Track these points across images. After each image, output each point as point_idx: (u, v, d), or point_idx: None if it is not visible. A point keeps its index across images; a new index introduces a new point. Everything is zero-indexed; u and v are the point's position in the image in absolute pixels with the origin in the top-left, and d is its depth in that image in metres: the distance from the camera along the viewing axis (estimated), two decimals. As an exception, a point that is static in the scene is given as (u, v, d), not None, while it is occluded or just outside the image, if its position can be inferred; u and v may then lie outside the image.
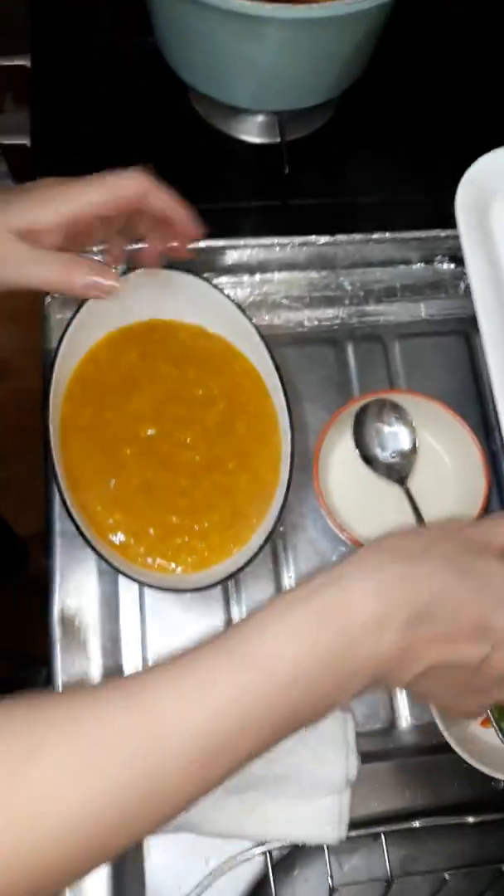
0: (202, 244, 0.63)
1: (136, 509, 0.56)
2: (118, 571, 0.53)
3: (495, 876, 0.52)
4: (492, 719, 0.51)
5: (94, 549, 0.53)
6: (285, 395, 0.57)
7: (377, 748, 0.56)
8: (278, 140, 0.70)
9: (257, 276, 0.68)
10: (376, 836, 0.52)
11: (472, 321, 0.61)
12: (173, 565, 0.55)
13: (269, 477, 0.57)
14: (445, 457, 0.61)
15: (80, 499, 0.56)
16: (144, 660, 0.57)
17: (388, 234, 0.67)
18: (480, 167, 0.58)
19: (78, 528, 0.52)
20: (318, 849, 0.52)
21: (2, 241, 0.48)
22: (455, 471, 0.61)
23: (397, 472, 0.59)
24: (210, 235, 0.57)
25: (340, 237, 0.67)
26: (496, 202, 0.59)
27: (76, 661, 0.56)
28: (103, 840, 0.33)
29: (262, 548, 0.53)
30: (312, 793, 0.52)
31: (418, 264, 0.69)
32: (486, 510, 0.58)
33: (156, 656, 0.57)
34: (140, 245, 0.56)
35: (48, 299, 0.65)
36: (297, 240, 0.66)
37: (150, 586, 0.54)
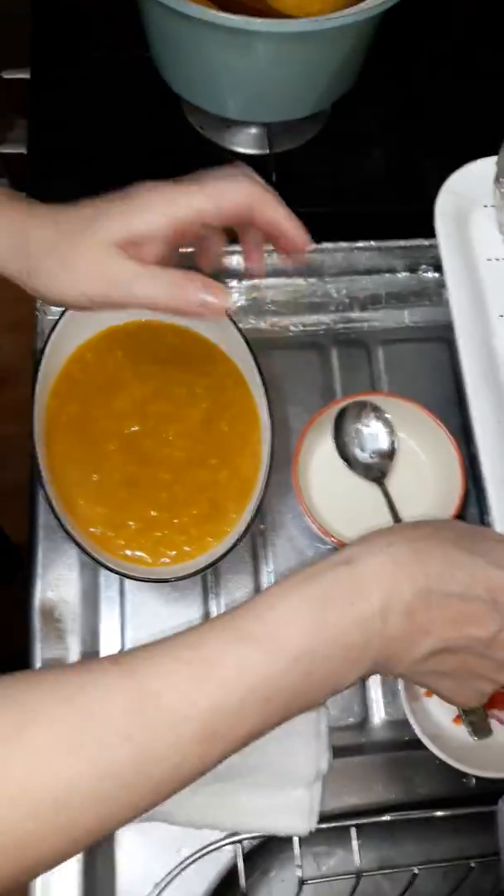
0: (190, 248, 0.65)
1: (117, 503, 0.57)
2: (96, 562, 0.54)
3: (465, 872, 0.52)
4: (462, 716, 0.52)
5: (73, 539, 0.54)
6: (267, 395, 0.59)
7: (350, 742, 0.56)
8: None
9: (245, 282, 0.69)
10: (347, 830, 0.53)
11: (454, 328, 0.62)
12: (151, 558, 0.56)
13: (250, 474, 0.58)
14: (424, 458, 0.62)
15: (62, 492, 0.57)
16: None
17: (373, 243, 0.69)
18: (461, 176, 0.60)
19: (58, 519, 0.54)
20: (289, 841, 0.52)
21: (104, 258, 0.43)
22: (433, 472, 0.62)
23: (375, 471, 0.60)
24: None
25: (327, 245, 0.69)
26: (476, 210, 0.60)
27: (55, 652, 0.57)
28: (92, 818, 0.32)
29: (239, 539, 0.54)
30: (284, 784, 0.52)
31: (403, 273, 0.70)
32: (463, 511, 0.59)
33: (135, 649, 0.58)
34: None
35: (39, 301, 0.67)
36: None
37: (129, 577, 0.55)
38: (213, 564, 0.54)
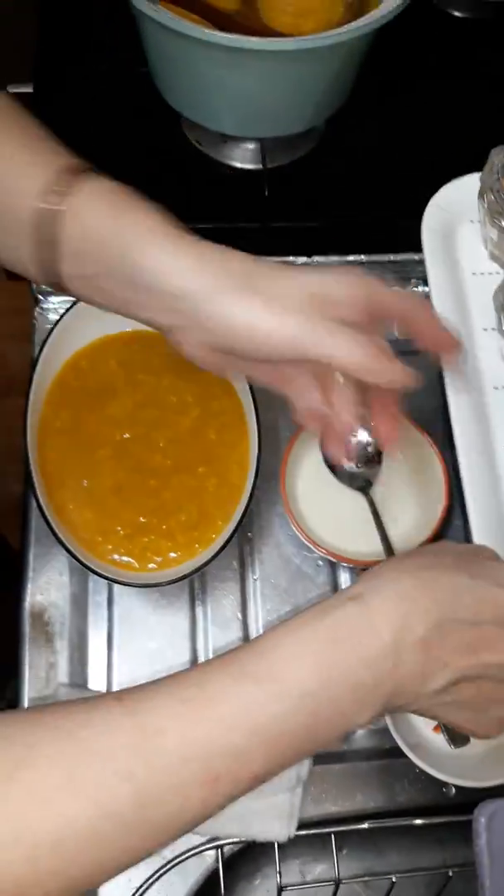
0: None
1: (106, 509, 0.58)
2: (83, 566, 0.55)
3: (444, 880, 0.52)
4: (441, 726, 0.52)
5: (62, 544, 0.55)
6: (255, 405, 0.60)
7: (331, 750, 0.56)
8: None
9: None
10: (327, 837, 0.53)
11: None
12: (139, 563, 0.57)
13: (237, 481, 0.59)
14: (409, 469, 0.63)
15: (53, 497, 0.58)
16: (110, 657, 0.59)
17: (363, 257, 0.70)
18: (447, 191, 0.61)
19: (48, 523, 0.55)
20: (269, 847, 0.53)
21: (306, 297, 0.42)
22: (418, 482, 0.62)
23: (360, 481, 0.61)
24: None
25: (318, 258, 0.70)
26: (462, 225, 0.61)
27: (43, 655, 0.58)
28: (89, 861, 0.31)
29: (226, 544, 0.55)
30: (264, 789, 0.52)
31: (393, 287, 0.71)
32: (447, 520, 0.60)
33: (121, 655, 0.59)
34: None
35: (37, 310, 0.68)
36: (276, 260, 0.68)
37: (116, 581, 0.56)
38: (198, 570, 0.55)
